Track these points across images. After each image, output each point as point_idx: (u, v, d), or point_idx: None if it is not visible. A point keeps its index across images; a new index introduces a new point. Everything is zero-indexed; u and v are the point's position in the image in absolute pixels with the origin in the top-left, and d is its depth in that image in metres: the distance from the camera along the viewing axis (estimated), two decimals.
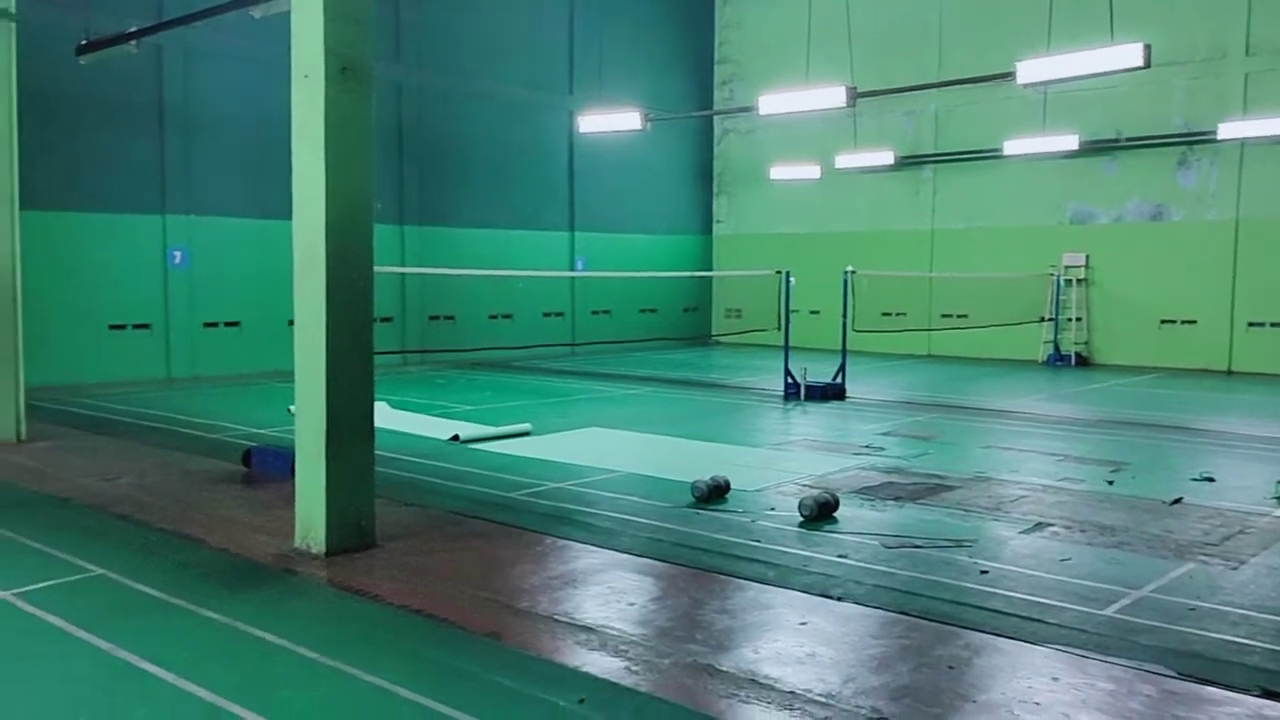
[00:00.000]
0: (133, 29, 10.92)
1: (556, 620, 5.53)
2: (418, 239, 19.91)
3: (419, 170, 19.95)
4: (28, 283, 10.81)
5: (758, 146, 25.40)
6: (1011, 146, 19.47)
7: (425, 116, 20.03)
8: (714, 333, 26.44)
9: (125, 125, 16.06)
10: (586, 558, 6.76)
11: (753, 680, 4.69)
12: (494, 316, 21.46)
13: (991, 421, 13.20)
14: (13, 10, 10.21)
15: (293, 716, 4.29)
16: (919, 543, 7.11)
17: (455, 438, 11.15)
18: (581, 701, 4.45)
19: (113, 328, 16.20)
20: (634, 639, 5.24)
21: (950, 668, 4.86)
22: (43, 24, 11.52)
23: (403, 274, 18.41)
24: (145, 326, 16.54)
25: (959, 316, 21.79)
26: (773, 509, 8.11)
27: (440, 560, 6.65)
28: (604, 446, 10.94)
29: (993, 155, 21.09)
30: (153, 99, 16.33)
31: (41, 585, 6.00)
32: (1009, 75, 12.18)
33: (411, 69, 19.63)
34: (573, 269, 22.76)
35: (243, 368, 17.18)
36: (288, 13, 6.77)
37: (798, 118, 20.89)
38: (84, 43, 11.38)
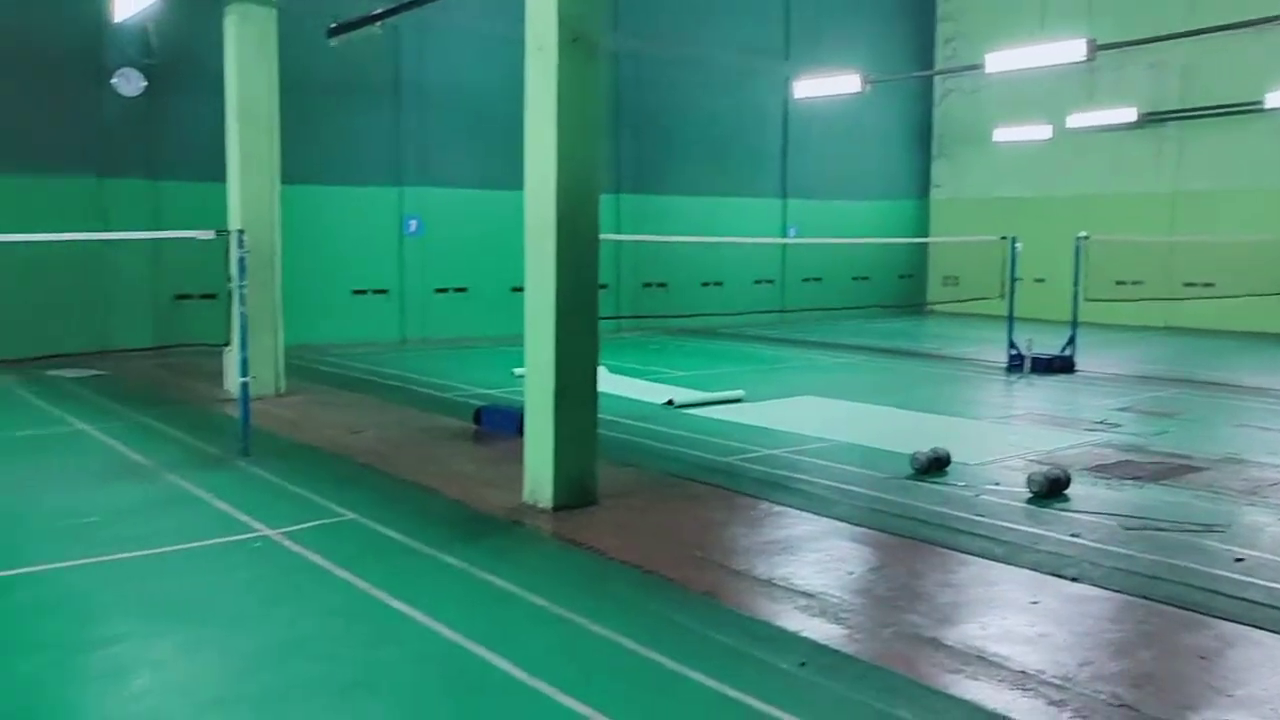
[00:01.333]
0: (378, 10, 11.63)
1: (774, 584, 5.56)
2: (632, 207, 20.26)
3: (634, 139, 20.26)
4: (285, 251, 11.79)
5: (982, 106, 24.20)
6: (1276, 99, 17.62)
7: (641, 85, 20.29)
8: (929, 301, 25.56)
9: (367, 103, 17.16)
10: (802, 524, 6.75)
11: (980, 656, 4.57)
12: (705, 284, 21.59)
13: (1244, 399, 12.13)
14: None
15: (529, 659, 4.53)
16: (1163, 525, 6.65)
17: (670, 402, 11.35)
18: (803, 665, 4.47)
19: (355, 292, 17.42)
20: (854, 607, 5.21)
21: (1201, 658, 4.55)
22: (297, 10, 12.45)
23: (618, 241, 18.81)
24: (383, 292, 17.71)
25: (1204, 285, 20.07)
26: (997, 484, 7.80)
27: (658, 519, 6.82)
28: (817, 414, 10.84)
29: (1250, 109, 19.18)
30: (390, 77, 17.35)
31: (303, 526, 6.58)
32: (1276, 19, 11.03)
33: (628, 37, 19.89)
34: (784, 237, 22.54)
35: (468, 331, 18.09)
36: None
37: (1027, 75, 19.68)
38: (333, 26, 12.21)
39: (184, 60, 14.62)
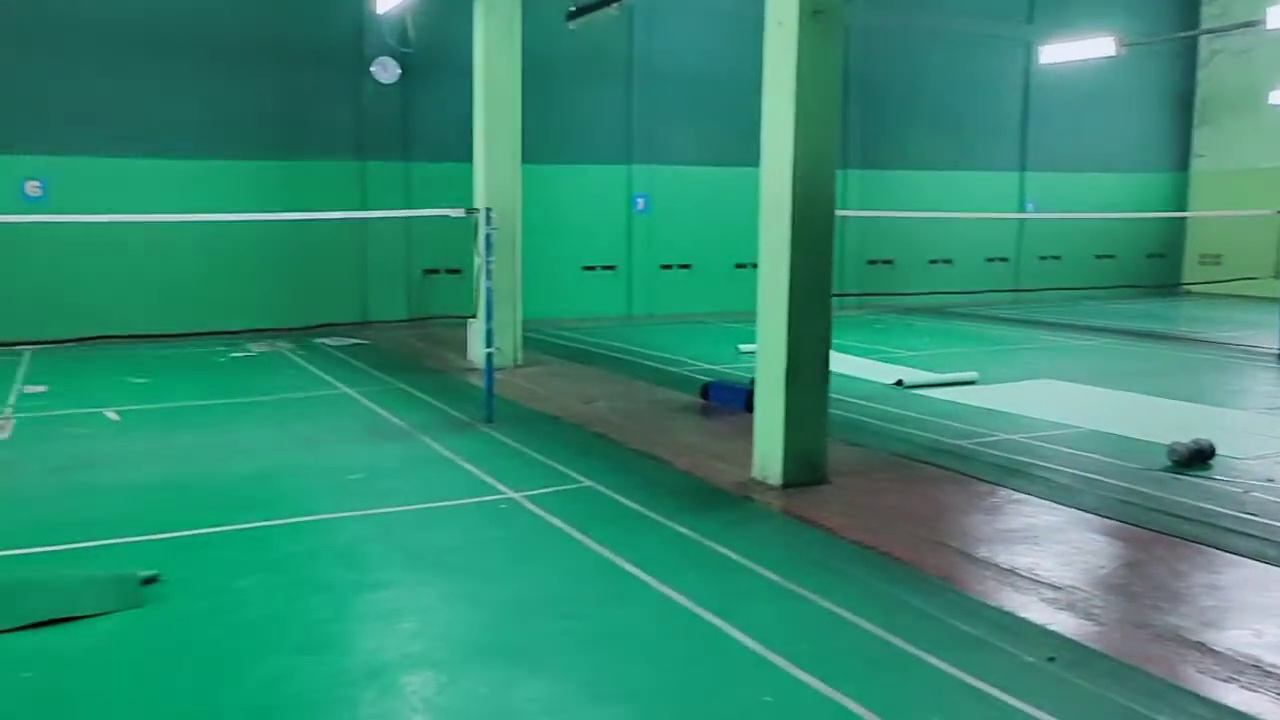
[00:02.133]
0: None
1: (1017, 574, 5.36)
2: (859, 182, 19.82)
3: (862, 113, 19.78)
4: (524, 229, 12.35)
5: (1254, 68, 21.98)
6: None
7: (871, 56, 19.76)
8: (1184, 281, 23.58)
9: (600, 83, 17.64)
10: (1045, 514, 6.46)
11: (1256, 666, 4.23)
12: (934, 261, 20.86)
13: None
14: None
15: (761, 631, 4.59)
16: None
17: (899, 382, 11.09)
18: (1051, 660, 4.30)
19: (585, 268, 18.02)
20: (1106, 603, 4.95)
21: None
22: None
23: (843, 217, 18.45)
24: (611, 268, 18.22)
25: None
26: (1271, 480, 7.16)
27: (889, 501, 6.71)
28: (1057, 399, 10.29)
29: None
30: (623, 57, 17.74)
31: (543, 490, 6.93)
32: None
33: (860, 9, 19.42)
34: (1021, 211, 21.40)
35: (692, 307, 18.32)
36: None
37: None
38: (573, 10, 12.63)
39: (435, 48, 15.53)
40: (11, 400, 9.89)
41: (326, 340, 14.36)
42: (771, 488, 7.00)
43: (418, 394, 10.43)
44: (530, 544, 5.90)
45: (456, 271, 16.11)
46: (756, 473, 7.24)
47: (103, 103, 14.17)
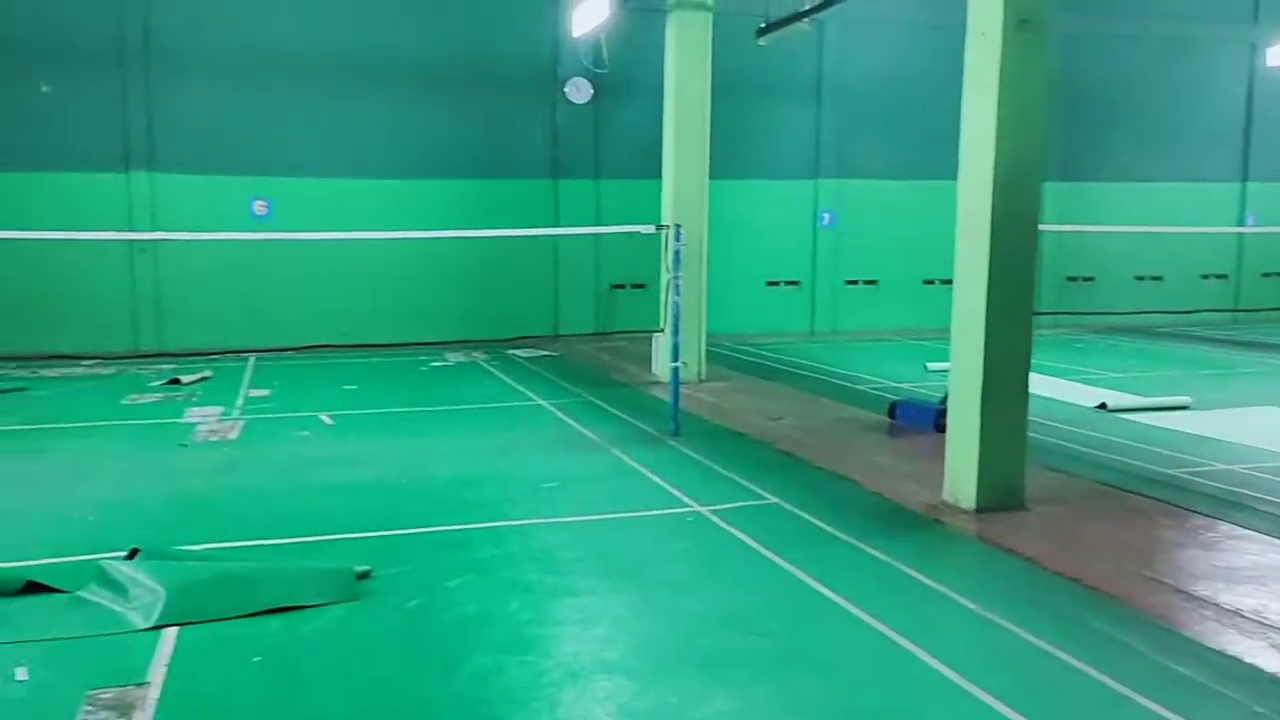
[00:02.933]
0: (807, 6, 11.91)
1: (1241, 615, 5.00)
2: (1057, 195, 18.90)
3: (1063, 123, 18.85)
4: (708, 244, 12.47)
5: None
6: None
7: (1071, 64, 18.84)
8: None
9: (788, 98, 17.60)
10: (1272, 553, 5.98)
11: None
12: (1140, 278, 19.67)
13: None
14: (710, 3, 11.75)
15: (959, 660, 4.46)
16: None
17: (1102, 406, 10.52)
18: None
19: (768, 284, 17.99)
20: None
21: None
22: (730, 12, 13.10)
23: (1040, 232, 17.67)
24: (795, 283, 18.11)
25: None
26: None
27: (1095, 531, 6.38)
28: None
29: None
30: (812, 71, 17.65)
31: (730, 505, 6.96)
32: None
33: (1059, 12, 18.55)
34: (1242, 224, 19.88)
35: (877, 324, 17.96)
36: None
37: None
38: (763, 25, 12.67)
39: (626, 67, 15.92)
40: (239, 403, 10.77)
41: (518, 352, 14.92)
42: (964, 512, 6.79)
43: (606, 406, 10.68)
44: (718, 558, 5.95)
45: (641, 286, 16.42)
46: (948, 496, 7.04)
47: (321, 128, 15.27)
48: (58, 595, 5.12)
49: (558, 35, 15.81)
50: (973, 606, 5.12)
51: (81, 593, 5.12)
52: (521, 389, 11.81)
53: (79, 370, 12.93)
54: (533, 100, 16.24)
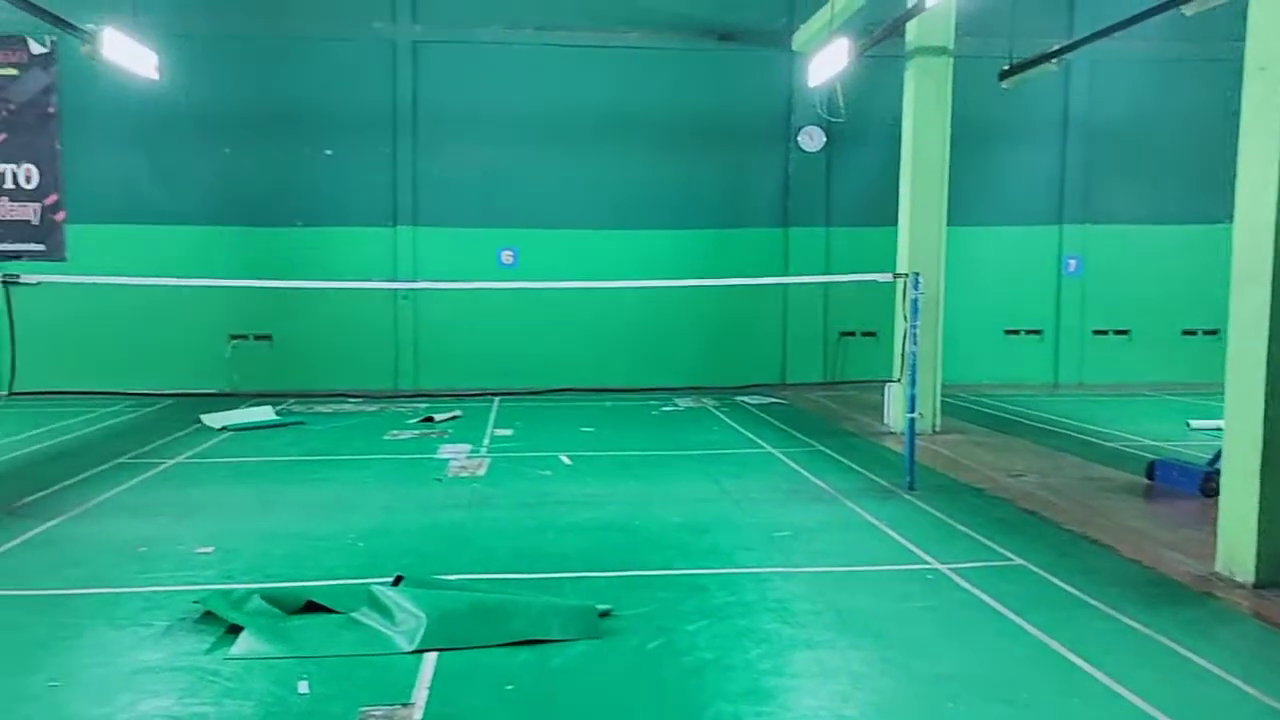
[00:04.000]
0: (1055, 47, 11.48)
1: None
2: None
3: None
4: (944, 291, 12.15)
5: None
6: None
7: None
8: None
9: (1030, 141, 16.95)
10: None
11: None
12: None
13: None
14: (950, 48, 11.55)
15: None
16: None
17: None
18: None
19: (1007, 333, 17.26)
20: None
21: None
22: (970, 55, 12.83)
23: None
24: (1036, 332, 17.27)
25: None
26: None
27: None
28: None
29: None
30: (1057, 113, 16.92)
31: (970, 564, 6.71)
32: None
33: None
34: None
35: (1129, 377, 16.81)
36: (1217, 8, 6.42)
37: None
38: (1006, 68, 12.30)
39: (859, 114, 15.85)
40: (486, 441, 11.44)
41: (747, 399, 15.01)
42: (1240, 586, 6.23)
43: (837, 456, 10.57)
44: (960, 619, 5.74)
45: (872, 334, 16.18)
46: (1221, 567, 6.48)
47: (564, 183, 16.11)
48: (334, 615, 5.60)
49: (792, 85, 15.99)
50: (1251, 691, 4.69)
51: (354, 614, 5.59)
52: (751, 436, 11.88)
53: (348, 407, 14.16)
54: (765, 150, 16.46)
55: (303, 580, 6.23)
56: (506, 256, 16.00)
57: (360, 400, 14.69)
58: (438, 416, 12.91)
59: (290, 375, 15.42)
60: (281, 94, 15.48)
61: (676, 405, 14.44)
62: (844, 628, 5.54)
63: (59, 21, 10.59)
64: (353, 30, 15.49)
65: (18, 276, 8.28)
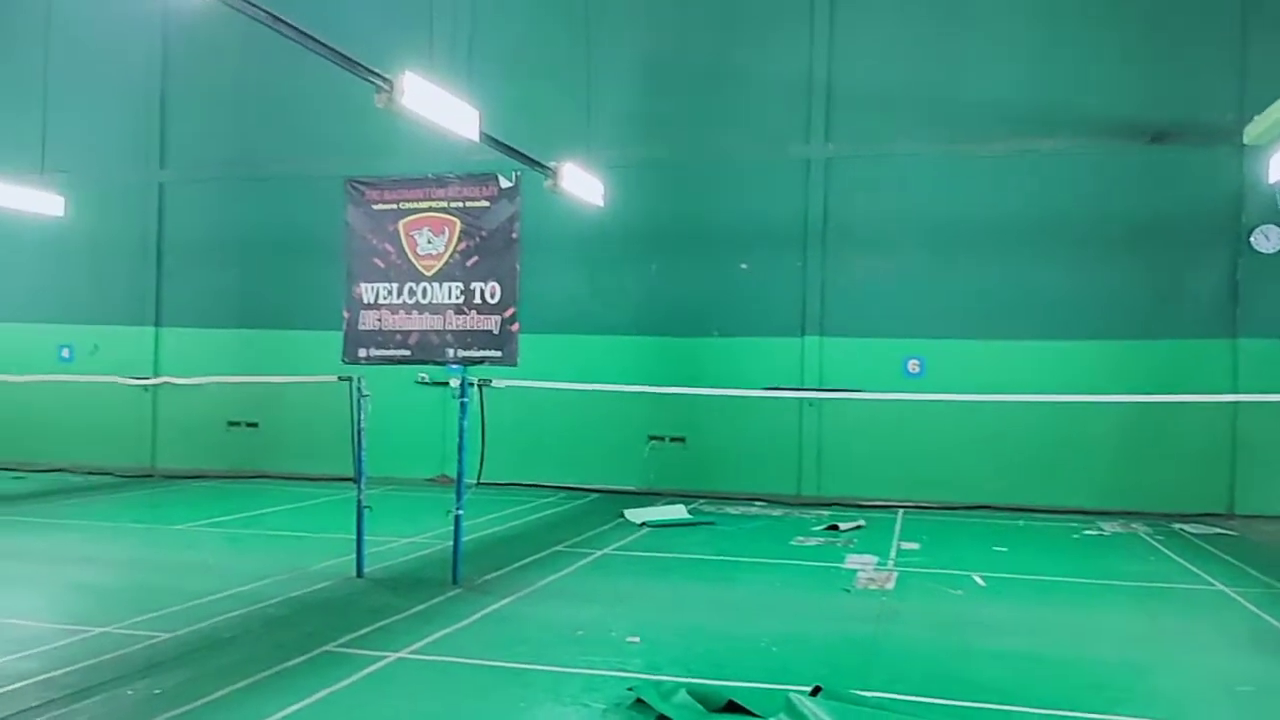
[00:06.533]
0: None
1: None
2: None
3: None
4: None
5: None
6: None
7: None
8: None
9: None
10: None
11: None
12: None
13: None
14: None
15: None
16: None
17: None
18: None
19: None
20: None
21: None
22: None
23: None
24: None
25: None
26: None
27: None
28: None
29: None
30: None
31: None
32: None
33: None
34: None
35: None
36: None
37: None
38: None
39: None
40: (893, 554, 11.23)
41: (1185, 527, 13.43)
42: None
43: None
44: None
45: None
46: None
47: (974, 290, 15.65)
48: (753, 718, 5.76)
49: (1242, 182, 14.47)
50: None
51: (772, 719, 5.71)
52: (1194, 569, 10.59)
53: (754, 510, 14.59)
54: (1206, 253, 14.92)
55: (721, 679, 6.48)
56: (913, 366, 15.80)
57: (765, 504, 15.08)
58: (842, 525, 12.91)
59: (701, 476, 16.20)
60: (702, 214, 16.67)
61: (1101, 529, 13.24)
62: None
63: (531, 161, 12.35)
64: (770, 153, 16.38)
65: (489, 381, 9.61)
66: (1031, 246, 15.45)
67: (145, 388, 17.51)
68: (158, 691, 6.05)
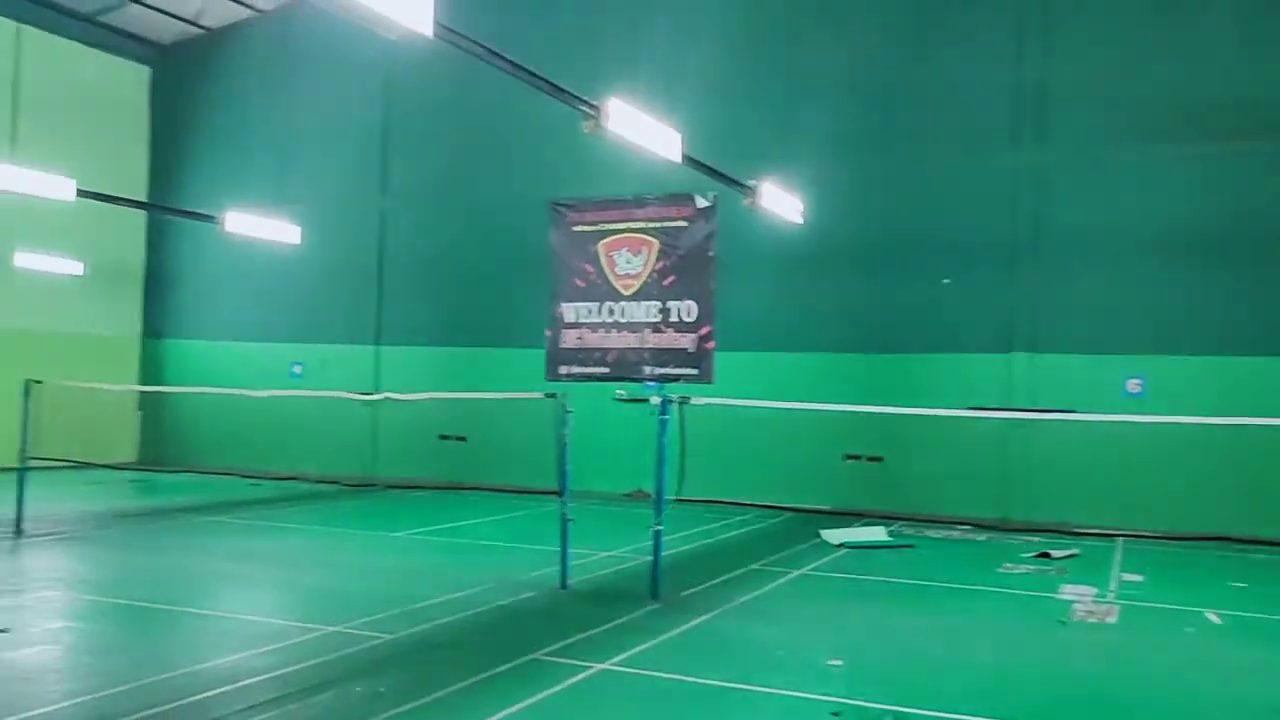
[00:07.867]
0: None
1: None
2: None
3: None
4: None
5: None
6: None
7: None
8: None
9: None
10: None
11: None
12: None
13: None
14: None
15: None
16: None
17: None
18: None
19: None
20: None
21: None
22: None
23: None
24: None
25: None
26: None
27: None
28: None
29: None
30: None
31: None
32: None
33: None
34: None
35: None
36: None
37: None
38: None
39: None
40: (1113, 586, 10.52)
41: None
42: None
43: None
44: None
45: None
46: None
47: (1200, 302, 14.51)
48: None
49: None
50: None
51: None
52: None
53: (956, 534, 14.04)
54: None
55: (929, 709, 6.26)
56: (1133, 385, 14.77)
57: (968, 528, 14.48)
58: (1054, 553, 12.22)
59: (899, 497, 15.71)
60: (902, 227, 16.21)
61: None
62: None
63: (730, 180, 12.41)
64: (975, 163, 15.77)
65: (689, 398, 9.70)
66: (1268, 255, 14.19)
67: (368, 402, 18.66)
68: (382, 690, 6.42)
